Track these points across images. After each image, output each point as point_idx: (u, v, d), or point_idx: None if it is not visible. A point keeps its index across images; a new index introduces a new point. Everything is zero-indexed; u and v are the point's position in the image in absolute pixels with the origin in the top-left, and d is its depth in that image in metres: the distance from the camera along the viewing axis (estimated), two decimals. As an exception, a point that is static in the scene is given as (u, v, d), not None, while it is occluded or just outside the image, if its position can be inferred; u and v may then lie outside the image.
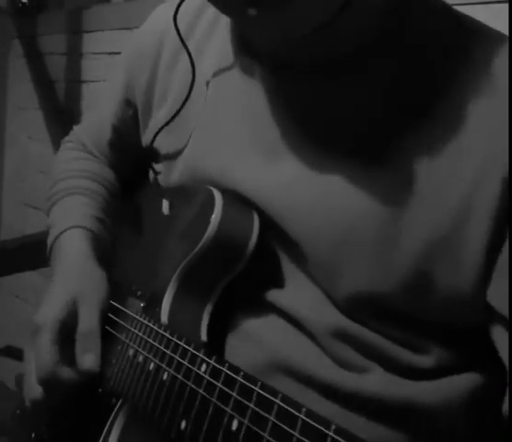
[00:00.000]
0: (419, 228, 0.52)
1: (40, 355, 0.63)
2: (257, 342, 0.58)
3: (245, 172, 0.60)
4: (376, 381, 0.55)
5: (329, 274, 0.56)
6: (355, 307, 0.55)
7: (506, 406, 0.52)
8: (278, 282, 0.59)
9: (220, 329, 0.60)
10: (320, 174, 0.56)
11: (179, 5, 0.67)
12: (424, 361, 0.55)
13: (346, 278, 0.54)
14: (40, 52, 2.06)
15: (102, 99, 0.86)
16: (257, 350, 0.58)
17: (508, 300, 0.49)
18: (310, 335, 0.57)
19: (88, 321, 0.65)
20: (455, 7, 0.58)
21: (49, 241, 0.76)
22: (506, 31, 0.57)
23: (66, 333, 0.64)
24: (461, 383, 0.56)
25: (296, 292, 0.58)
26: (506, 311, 0.50)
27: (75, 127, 0.91)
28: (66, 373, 0.63)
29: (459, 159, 0.51)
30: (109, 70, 1.71)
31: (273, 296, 0.59)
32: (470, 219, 0.50)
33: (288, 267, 0.59)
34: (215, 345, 0.59)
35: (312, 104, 0.58)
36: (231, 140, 0.62)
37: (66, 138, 0.91)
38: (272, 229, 0.58)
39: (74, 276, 0.69)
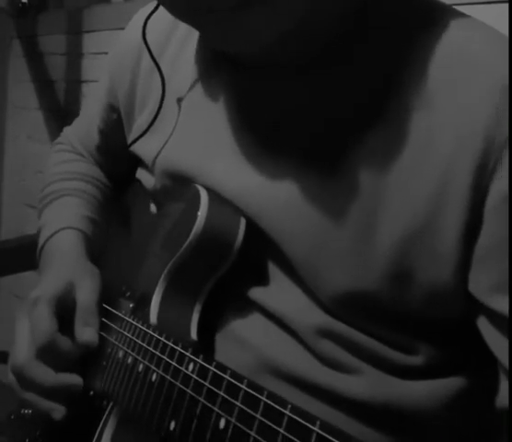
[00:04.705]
0: (394, 222, 0.51)
1: (39, 324, 0.62)
2: (242, 341, 0.58)
3: (223, 173, 0.59)
4: (365, 381, 0.54)
5: (310, 276, 0.55)
6: (339, 306, 0.54)
7: (500, 400, 0.52)
8: (262, 281, 0.59)
9: (207, 328, 0.60)
10: (292, 177, 0.55)
11: (145, 22, 0.67)
12: (414, 360, 0.55)
13: (326, 279, 0.54)
14: (41, 52, 2.06)
15: (90, 102, 0.86)
16: (243, 350, 0.58)
17: (508, 296, 0.48)
18: (295, 334, 0.56)
19: (89, 299, 0.65)
20: (455, 8, 0.57)
21: (40, 242, 0.75)
22: (506, 31, 0.56)
23: (63, 311, 0.64)
24: (452, 383, 0.55)
25: (280, 291, 0.58)
26: (488, 301, 0.50)
27: (65, 129, 0.91)
28: (64, 342, 0.62)
29: (429, 149, 0.50)
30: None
31: (258, 295, 0.58)
32: (443, 209, 0.50)
33: (271, 267, 0.59)
34: (203, 345, 0.58)
35: (283, 105, 0.57)
36: (208, 145, 0.62)
37: (57, 140, 0.91)
38: (254, 229, 0.58)
39: (69, 266, 0.69)
